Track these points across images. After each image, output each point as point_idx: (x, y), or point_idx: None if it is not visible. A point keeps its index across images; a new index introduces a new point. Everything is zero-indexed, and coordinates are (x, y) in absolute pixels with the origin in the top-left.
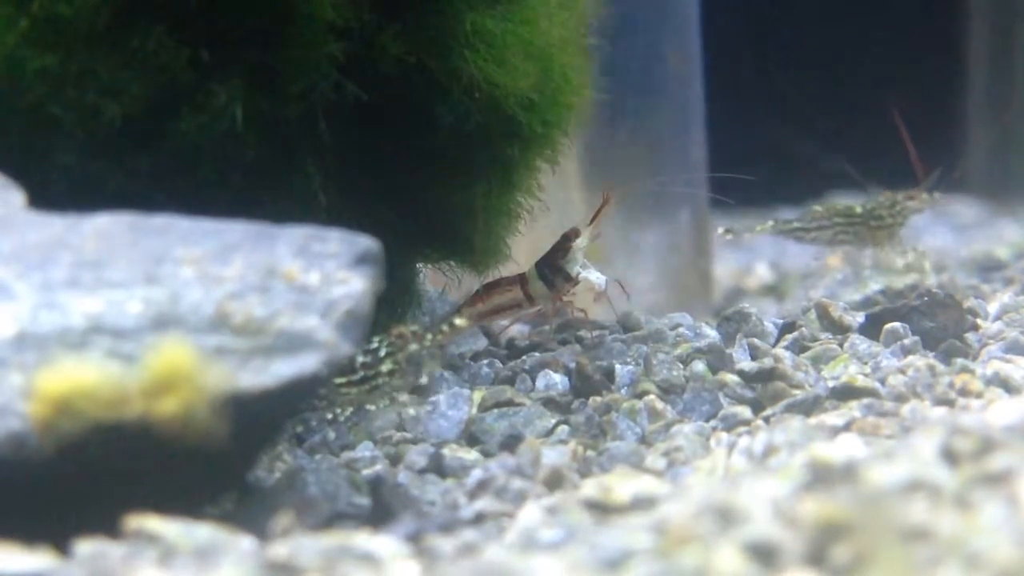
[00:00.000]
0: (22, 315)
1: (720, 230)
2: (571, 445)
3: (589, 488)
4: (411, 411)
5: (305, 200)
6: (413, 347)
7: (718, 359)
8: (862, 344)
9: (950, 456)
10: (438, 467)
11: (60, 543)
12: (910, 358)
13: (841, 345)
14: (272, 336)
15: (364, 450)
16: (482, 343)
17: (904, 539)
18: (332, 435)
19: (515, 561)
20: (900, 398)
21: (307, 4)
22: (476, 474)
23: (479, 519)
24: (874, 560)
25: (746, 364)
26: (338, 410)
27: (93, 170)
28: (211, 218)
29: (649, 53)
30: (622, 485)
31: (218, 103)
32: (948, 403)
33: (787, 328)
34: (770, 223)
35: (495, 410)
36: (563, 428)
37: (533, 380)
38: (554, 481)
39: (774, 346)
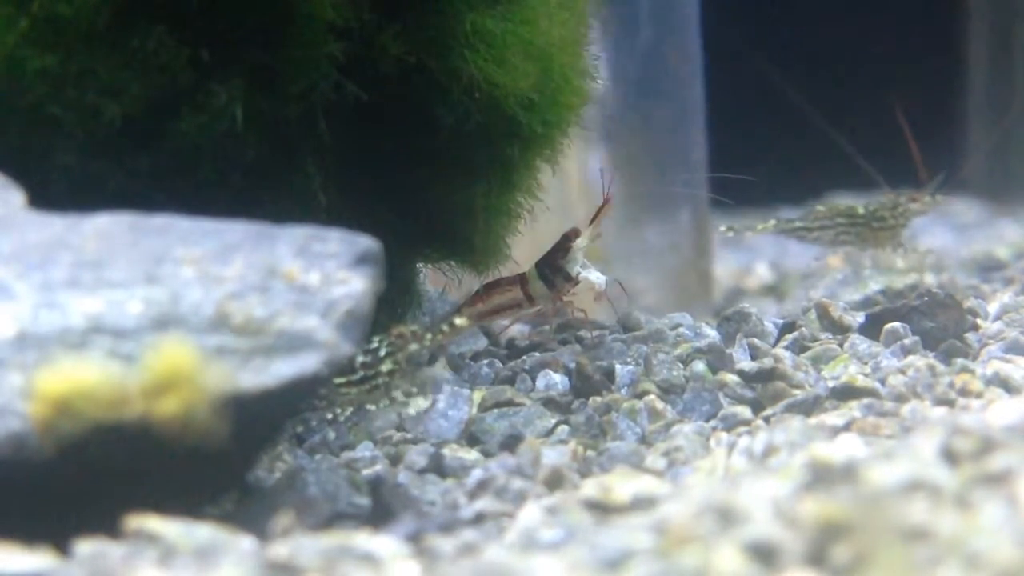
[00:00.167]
0: (22, 315)
1: (722, 228)
2: (571, 445)
3: (589, 488)
4: (411, 411)
5: (305, 200)
6: (413, 347)
7: (718, 359)
8: (862, 344)
9: (950, 456)
10: (438, 467)
11: (60, 543)
12: (910, 358)
13: (841, 345)
14: (272, 336)
15: (364, 450)
16: (482, 343)
17: (904, 539)
18: (332, 435)
19: (515, 561)
20: (900, 398)
21: (307, 4)
22: (476, 474)
23: (479, 519)
24: (874, 560)
25: (746, 364)
26: (338, 410)
27: (93, 170)
28: (211, 218)
29: (649, 53)
30: (622, 485)
31: (218, 103)
32: (948, 403)
33: (787, 328)
34: (772, 222)
35: (495, 410)
36: (563, 428)
37: (533, 380)
38: (554, 481)
39: (774, 346)
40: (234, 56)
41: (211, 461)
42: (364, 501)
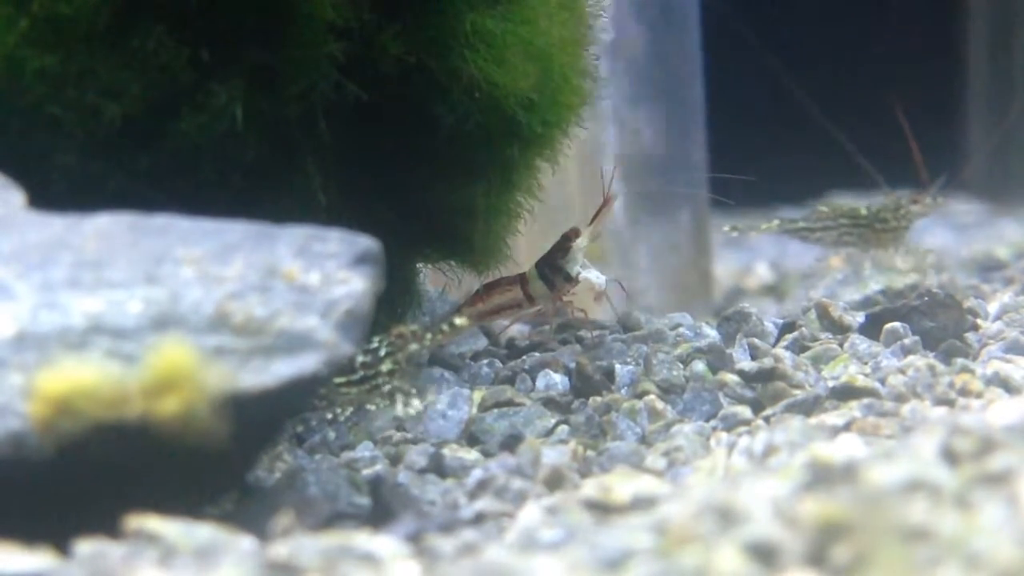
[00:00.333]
0: (22, 315)
1: (726, 227)
2: (571, 445)
3: (589, 488)
4: (411, 411)
5: (305, 200)
6: (413, 347)
7: (718, 359)
8: (862, 344)
9: (950, 456)
10: (438, 467)
11: (60, 543)
12: (910, 358)
13: (841, 345)
14: (272, 336)
15: (364, 450)
16: (482, 343)
17: (904, 539)
18: (332, 435)
19: (515, 561)
20: (900, 398)
21: (307, 4)
22: (476, 474)
23: (479, 519)
24: (874, 560)
25: (746, 364)
26: (338, 410)
27: (93, 170)
28: (211, 218)
29: (649, 53)
30: (622, 485)
31: (218, 103)
32: (948, 403)
33: (787, 328)
34: (775, 222)
35: (495, 410)
36: (563, 428)
37: (533, 380)
38: (554, 481)
39: (774, 346)
40: (234, 56)
41: (211, 461)
42: (364, 501)
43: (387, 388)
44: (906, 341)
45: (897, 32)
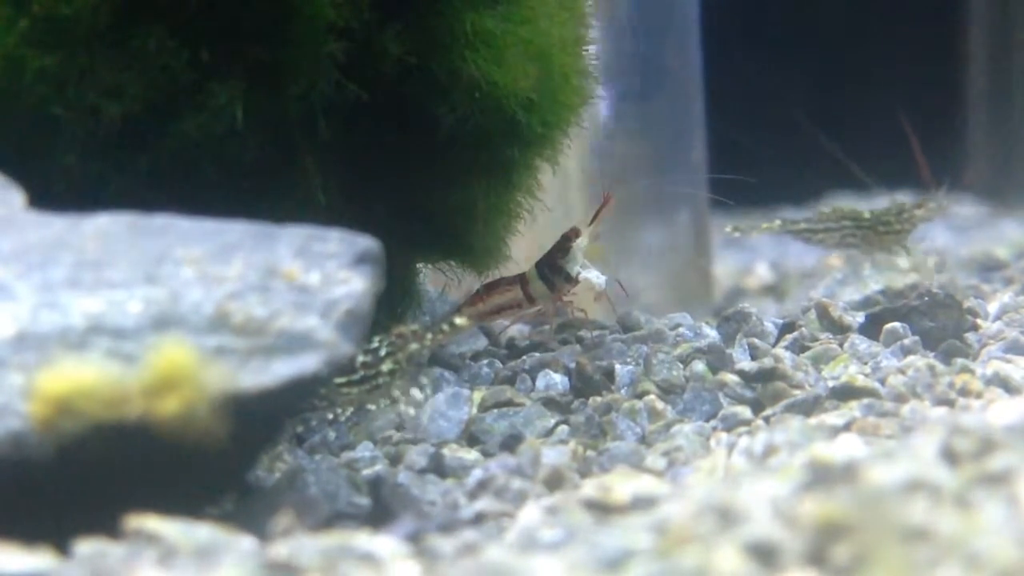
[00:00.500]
0: (22, 315)
1: (728, 228)
2: (571, 445)
3: (589, 488)
4: (411, 411)
5: (305, 200)
6: (414, 346)
7: (718, 359)
8: (862, 344)
9: (950, 456)
10: (438, 467)
11: (60, 543)
12: (910, 358)
13: (841, 345)
14: (272, 336)
15: (364, 450)
16: (482, 343)
17: (904, 539)
18: (332, 435)
19: (515, 561)
20: (900, 398)
21: (307, 4)
22: (476, 474)
23: (479, 519)
24: (874, 560)
25: (746, 364)
26: (339, 410)
27: (93, 170)
28: (211, 218)
29: (649, 53)
30: (622, 485)
31: (218, 103)
32: (948, 403)
33: (787, 328)
34: (777, 222)
35: (495, 410)
36: (563, 428)
37: (533, 380)
38: (554, 481)
39: (774, 346)
40: (234, 56)
41: (211, 461)
42: (364, 501)
43: (388, 387)
44: (906, 341)
45: (897, 32)
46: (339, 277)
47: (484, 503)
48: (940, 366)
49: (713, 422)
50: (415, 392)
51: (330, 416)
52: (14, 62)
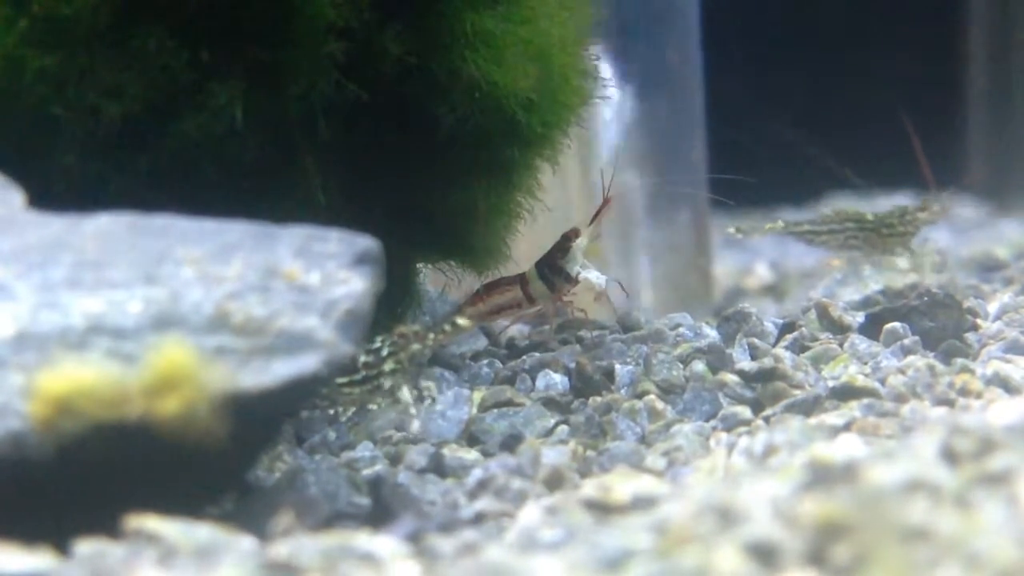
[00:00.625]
0: (22, 315)
1: (731, 229)
2: (571, 445)
3: (589, 488)
4: (411, 411)
5: (305, 200)
6: (415, 347)
7: (718, 359)
8: (862, 344)
9: (950, 456)
10: (438, 467)
11: (60, 543)
12: (910, 358)
13: (841, 345)
14: (272, 336)
15: (364, 450)
16: (482, 343)
17: (904, 539)
18: (332, 435)
19: (515, 561)
20: (900, 398)
21: (307, 4)
22: (476, 474)
23: (479, 519)
24: (874, 560)
25: (746, 364)
26: (340, 409)
27: (93, 170)
28: (211, 218)
29: (649, 53)
30: (622, 485)
31: (218, 103)
32: (948, 403)
33: (787, 328)
34: (780, 223)
35: (495, 410)
36: (563, 428)
37: (533, 380)
38: (554, 481)
39: (774, 346)
40: (234, 56)
41: (211, 461)
42: (364, 501)
43: (389, 385)
44: (906, 341)
45: (897, 32)
46: (339, 277)
47: (484, 503)
48: (940, 366)
49: (713, 422)
50: (414, 391)
51: (332, 412)
52: (14, 62)
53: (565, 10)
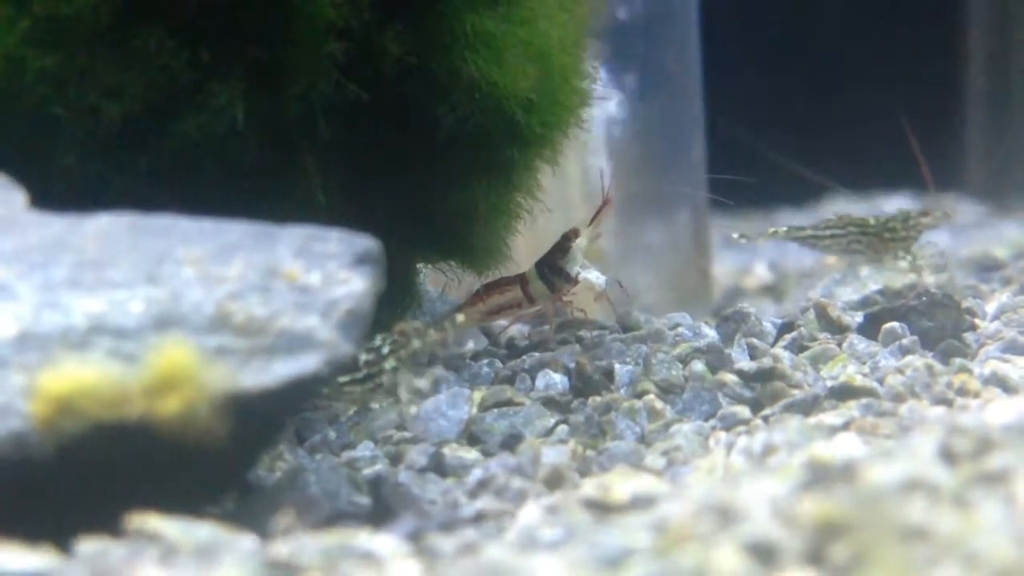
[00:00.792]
0: (24, 315)
1: (734, 235)
2: (571, 445)
3: (589, 487)
4: (412, 410)
5: (305, 200)
6: (416, 344)
7: (717, 359)
8: (860, 344)
9: (948, 455)
10: (438, 466)
11: (61, 542)
12: (908, 358)
13: (840, 345)
14: (273, 336)
15: (364, 449)
16: (482, 343)
17: (902, 538)
18: (332, 434)
19: (515, 560)
20: (898, 398)
21: (307, 4)
22: (476, 473)
23: (479, 518)
24: (873, 559)
25: (745, 364)
26: (342, 407)
27: (94, 170)
28: (212, 218)
29: (649, 53)
30: (622, 484)
31: (218, 103)
32: (946, 403)
33: (786, 328)
34: (784, 229)
35: (495, 410)
36: (563, 428)
37: (533, 380)
38: (554, 480)
39: (773, 346)
40: (234, 56)
41: (212, 460)
42: (365, 500)
43: (389, 382)
44: (904, 341)
45: (897, 32)
46: (339, 277)
47: (484, 502)
48: (938, 366)
49: (712, 422)
50: (418, 383)
51: (334, 407)
52: (15, 62)
53: (565, 11)
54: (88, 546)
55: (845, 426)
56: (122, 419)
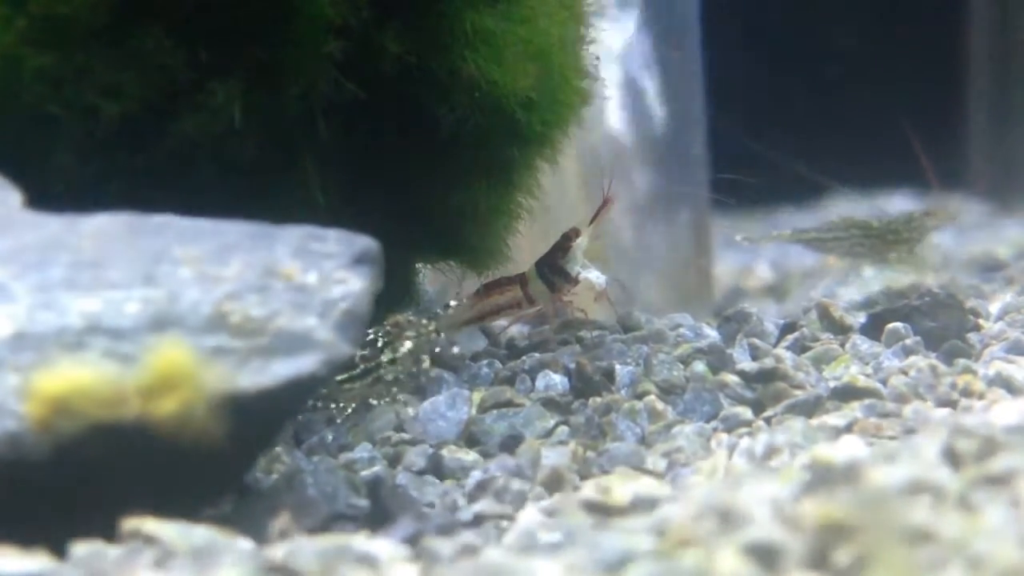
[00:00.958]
0: (19, 315)
1: (738, 237)
2: (571, 446)
3: (589, 489)
4: (410, 411)
5: (304, 200)
6: (409, 333)
7: (719, 359)
8: (863, 344)
9: (952, 457)
10: (437, 468)
11: (56, 544)
12: (912, 358)
13: (842, 345)
14: (270, 336)
15: (362, 451)
16: (482, 343)
17: (906, 541)
18: (330, 436)
19: (514, 563)
20: (902, 399)
21: (306, 3)
22: (475, 475)
23: (478, 521)
24: (876, 562)
25: (747, 364)
26: (340, 406)
27: (91, 170)
28: (209, 218)
29: (649, 53)
30: (622, 486)
31: (217, 102)
32: (950, 404)
33: (788, 328)
34: (788, 231)
35: (495, 411)
36: (563, 429)
37: (533, 380)
38: (554, 482)
39: (775, 346)
40: (233, 55)
41: (209, 462)
42: (362, 502)
43: (389, 377)
44: (908, 341)
45: (897, 32)
46: (337, 277)
47: (483, 504)
48: (942, 367)
49: (714, 423)
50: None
51: (333, 407)
52: (12, 61)
53: (565, 9)
54: (83, 548)
55: (848, 427)
56: (118, 420)
